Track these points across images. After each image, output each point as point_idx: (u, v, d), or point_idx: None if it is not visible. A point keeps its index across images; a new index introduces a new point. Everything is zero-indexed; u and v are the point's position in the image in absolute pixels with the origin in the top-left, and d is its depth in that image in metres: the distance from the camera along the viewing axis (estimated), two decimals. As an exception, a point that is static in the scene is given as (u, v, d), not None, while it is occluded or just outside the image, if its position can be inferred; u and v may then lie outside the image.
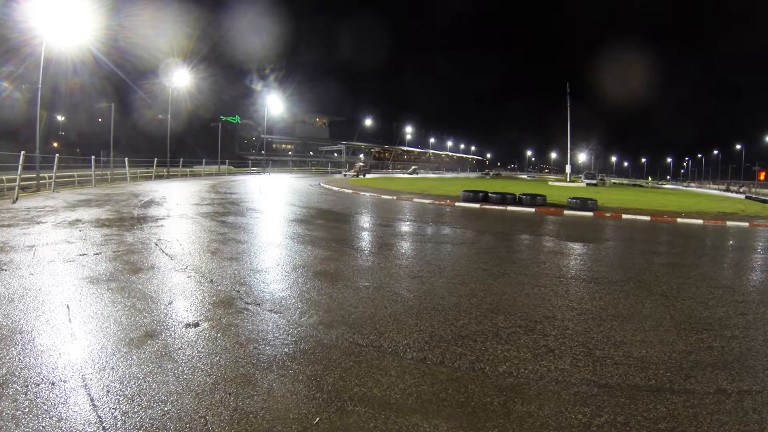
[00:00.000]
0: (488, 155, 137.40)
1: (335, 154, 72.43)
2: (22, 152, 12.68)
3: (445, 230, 9.66)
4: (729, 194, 35.11)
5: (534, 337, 3.49)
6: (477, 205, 15.25)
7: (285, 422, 2.25)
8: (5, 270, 4.78)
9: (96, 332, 3.26)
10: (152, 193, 15.74)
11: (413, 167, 65.73)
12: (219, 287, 4.52)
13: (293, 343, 3.20)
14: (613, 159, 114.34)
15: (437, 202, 15.92)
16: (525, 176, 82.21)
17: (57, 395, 2.41)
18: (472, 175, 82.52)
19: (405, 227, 9.95)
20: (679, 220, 12.97)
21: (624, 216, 13.36)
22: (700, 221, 12.75)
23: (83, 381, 2.56)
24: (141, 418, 2.24)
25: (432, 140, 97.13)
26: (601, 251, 7.80)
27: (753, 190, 37.40)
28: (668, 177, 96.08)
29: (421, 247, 7.65)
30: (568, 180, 49.01)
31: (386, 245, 7.59)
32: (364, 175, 32.84)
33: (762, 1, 77.97)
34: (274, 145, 70.44)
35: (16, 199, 11.76)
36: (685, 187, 60.73)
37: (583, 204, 14.60)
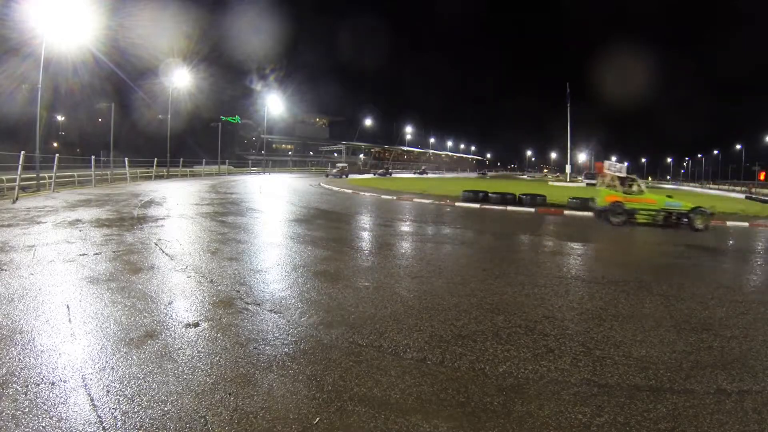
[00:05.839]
0: (488, 155, 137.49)
1: (335, 154, 72.39)
2: (22, 152, 12.68)
3: (445, 230, 9.66)
4: (735, 195, 34.84)
5: (534, 337, 3.49)
6: (477, 205, 15.25)
7: (285, 422, 2.25)
8: (5, 270, 4.78)
9: (96, 332, 3.26)
10: (152, 193, 15.74)
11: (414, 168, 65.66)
12: (219, 287, 4.52)
13: (293, 343, 3.20)
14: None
15: (437, 202, 15.92)
16: (525, 176, 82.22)
17: (57, 395, 2.41)
18: (472, 175, 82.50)
19: (405, 227, 9.95)
20: (679, 220, 12.94)
21: (624, 216, 13.33)
22: (700, 221, 12.71)
23: (83, 381, 2.56)
24: (141, 418, 2.24)
25: (432, 140, 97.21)
26: (601, 251, 7.80)
27: (753, 190, 37.37)
28: (668, 177, 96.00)
29: (421, 247, 7.65)
30: (568, 180, 49.02)
31: (386, 245, 7.59)
32: (346, 176, 36.47)
33: (762, 1, 77.94)
34: (274, 145, 70.43)
35: (16, 199, 11.76)
36: (674, 185, 60.29)
37: (583, 204, 14.60)
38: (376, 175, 45.00)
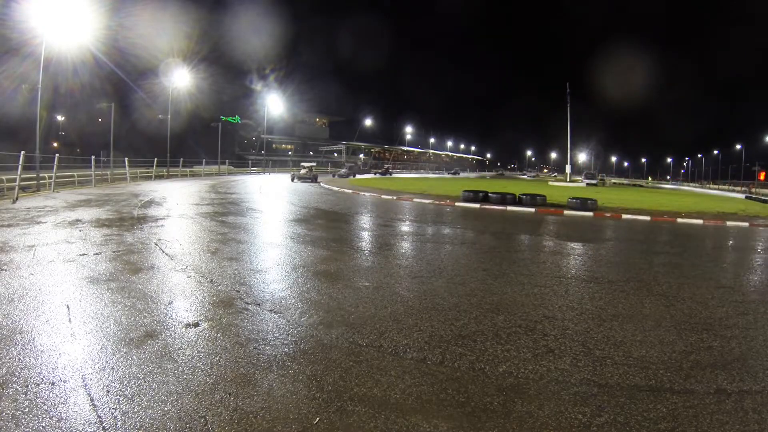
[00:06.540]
0: (488, 155, 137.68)
1: (335, 154, 72.40)
2: (22, 152, 12.68)
3: (445, 230, 9.66)
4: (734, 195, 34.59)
5: (534, 337, 3.49)
6: (477, 205, 15.25)
7: (285, 422, 2.25)
8: (5, 270, 4.78)
9: (96, 332, 3.25)
10: (152, 193, 15.74)
11: (387, 166, 60.70)
12: (219, 287, 4.52)
13: (293, 343, 3.20)
14: (613, 159, 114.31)
15: (437, 202, 15.92)
16: (524, 176, 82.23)
17: (57, 395, 2.41)
18: (472, 174, 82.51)
19: (405, 227, 9.95)
20: (679, 220, 12.97)
21: (624, 216, 13.35)
22: (700, 221, 12.74)
23: (83, 381, 2.56)
24: (141, 418, 2.24)
25: (432, 140, 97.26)
26: (601, 251, 7.80)
27: (753, 190, 37.36)
28: (668, 177, 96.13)
29: (421, 247, 7.65)
30: (568, 180, 49.06)
31: (386, 245, 7.59)
32: (315, 180, 29.99)
33: (762, 0, 77.93)
34: (274, 145, 70.46)
35: (16, 199, 11.75)
36: (675, 185, 59.79)
37: (583, 204, 14.60)
38: (336, 176, 39.90)
